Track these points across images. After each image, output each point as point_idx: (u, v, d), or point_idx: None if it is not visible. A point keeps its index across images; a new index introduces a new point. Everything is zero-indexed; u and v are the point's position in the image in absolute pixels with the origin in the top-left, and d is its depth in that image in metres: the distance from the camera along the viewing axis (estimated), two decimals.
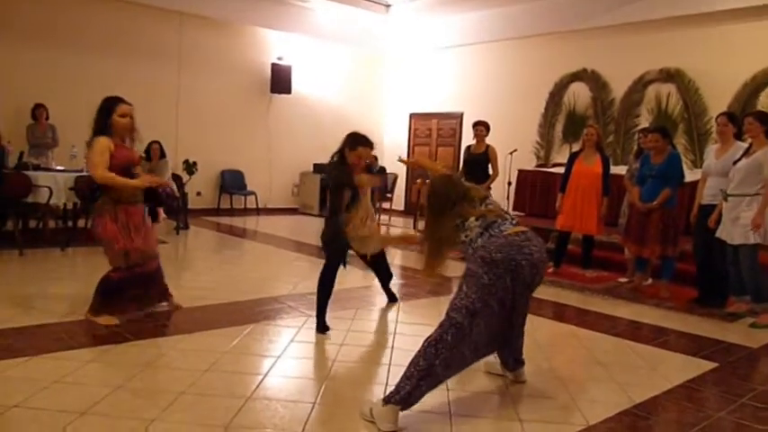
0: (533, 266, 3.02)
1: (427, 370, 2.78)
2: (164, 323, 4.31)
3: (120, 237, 4.16)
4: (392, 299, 5.18)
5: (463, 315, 2.88)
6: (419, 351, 2.85)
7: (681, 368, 3.91)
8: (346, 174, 4.24)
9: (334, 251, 4.33)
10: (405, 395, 2.75)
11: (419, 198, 11.01)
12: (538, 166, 10.43)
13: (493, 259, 2.93)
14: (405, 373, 2.82)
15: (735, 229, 4.97)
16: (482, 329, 2.95)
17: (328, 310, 4.32)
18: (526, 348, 3.49)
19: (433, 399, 3.01)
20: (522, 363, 3.46)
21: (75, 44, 9.51)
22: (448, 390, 3.25)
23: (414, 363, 2.82)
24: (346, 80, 12.97)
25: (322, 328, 4.25)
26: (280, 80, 11.71)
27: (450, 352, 2.82)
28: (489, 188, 7.46)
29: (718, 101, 8.24)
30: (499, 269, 2.93)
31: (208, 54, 10.96)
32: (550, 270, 6.80)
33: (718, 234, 5.15)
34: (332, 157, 4.38)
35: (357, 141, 4.29)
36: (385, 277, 5.14)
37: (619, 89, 9.77)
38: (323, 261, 4.37)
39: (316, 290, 4.32)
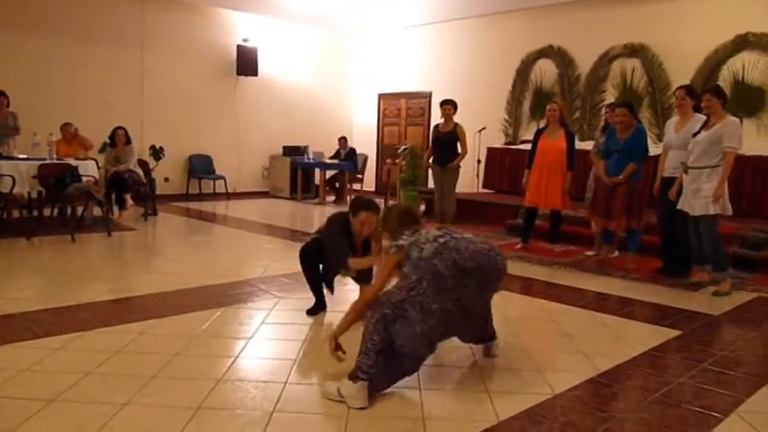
0: (498, 274, 3.10)
1: (382, 344, 2.84)
2: (135, 309, 4.29)
3: None
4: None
5: (416, 311, 2.86)
6: (372, 326, 2.86)
7: (645, 337, 4.01)
8: (343, 249, 4.02)
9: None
10: (367, 370, 2.80)
11: (389, 178, 11.05)
12: (506, 143, 10.51)
13: (465, 267, 2.92)
14: (361, 348, 2.87)
15: (695, 201, 5.08)
16: (435, 324, 2.90)
17: (300, 291, 4.32)
18: (494, 323, 3.54)
19: None
20: (495, 337, 3.52)
21: (35, 29, 9.28)
22: None
23: (368, 339, 2.86)
24: (314, 61, 12.86)
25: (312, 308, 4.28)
26: (246, 62, 11.57)
27: (401, 338, 2.87)
28: (459, 166, 7.52)
29: (681, 75, 8.37)
30: (468, 277, 2.94)
31: (171, 36, 10.78)
32: (518, 246, 6.90)
33: (679, 206, 5.27)
34: (333, 222, 4.14)
35: (360, 206, 3.97)
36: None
37: (584, 65, 9.85)
38: (294, 243, 4.38)
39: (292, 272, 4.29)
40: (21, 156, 7.50)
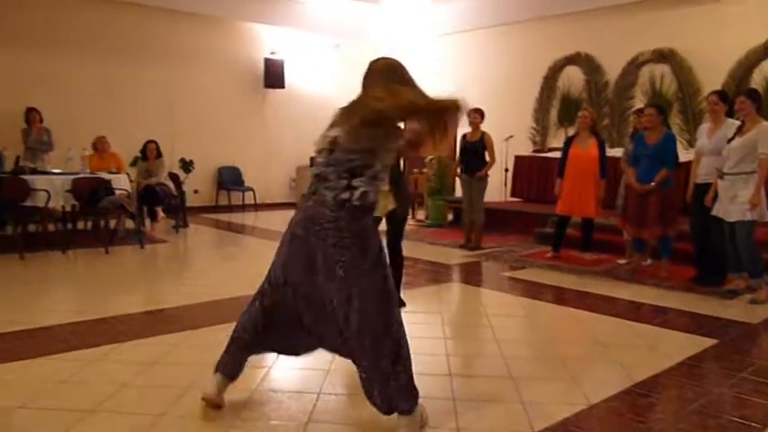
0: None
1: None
2: (170, 321, 4.34)
3: None
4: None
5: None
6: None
7: (681, 346, 3.93)
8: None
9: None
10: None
11: (416, 187, 11.02)
12: (534, 151, 10.44)
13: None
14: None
15: (732, 207, 5.00)
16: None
17: None
18: (527, 334, 3.50)
19: (436, 385, 3.09)
20: (399, 410, 2.54)
21: (66, 46, 9.52)
22: (451, 375, 3.31)
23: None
24: (340, 73, 12.90)
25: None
26: (273, 75, 11.71)
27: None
28: (487, 175, 7.49)
29: (712, 79, 8.25)
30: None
31: (199, 51, 10.96)
32: (549, 255, 6.84)
33: (714, 212, 5.18)
34: None
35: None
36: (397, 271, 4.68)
37: (612, 71, 9.77)
38: None
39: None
40: (55, 170, 7.68)
